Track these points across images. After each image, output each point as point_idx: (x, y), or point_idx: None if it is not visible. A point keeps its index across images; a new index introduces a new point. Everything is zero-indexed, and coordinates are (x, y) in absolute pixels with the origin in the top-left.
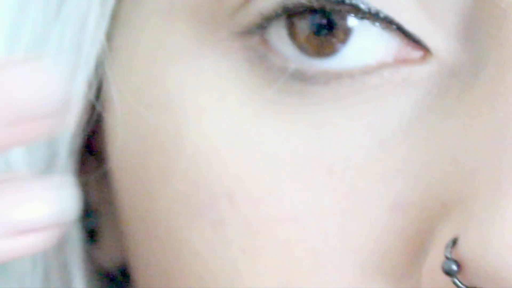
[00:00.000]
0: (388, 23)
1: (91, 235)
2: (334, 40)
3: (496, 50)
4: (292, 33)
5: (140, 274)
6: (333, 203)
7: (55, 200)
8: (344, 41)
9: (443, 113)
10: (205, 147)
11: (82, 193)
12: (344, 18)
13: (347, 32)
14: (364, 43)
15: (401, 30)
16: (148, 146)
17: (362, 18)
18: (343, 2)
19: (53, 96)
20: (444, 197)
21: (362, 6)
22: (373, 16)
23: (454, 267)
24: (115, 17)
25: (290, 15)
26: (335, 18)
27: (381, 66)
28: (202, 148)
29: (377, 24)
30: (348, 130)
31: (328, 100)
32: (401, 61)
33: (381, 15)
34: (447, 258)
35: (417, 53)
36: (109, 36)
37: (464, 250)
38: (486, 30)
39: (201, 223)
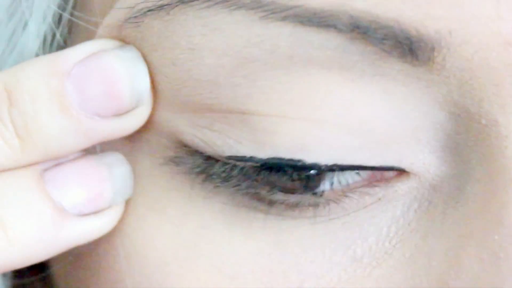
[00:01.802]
0: (345, 169)
1: None
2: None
3: (481, 165)
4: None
5: None
6: None
7: (115, 178)
8: (317, 185)
9: (427, 230)
10: (154, 259)
11: None
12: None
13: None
14: (322, 187)
15: (363, 168)
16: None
17: (316, 173)
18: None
19: (144, 88)
20: None
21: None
22: (328, 170)
23: None
24: None
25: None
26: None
27: (350, 190)
28: (151, 260)
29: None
30: (316, 247)
31: (292, 216)
32: (376, 181)
33: (335, 167)
34: None
35: (390, 173)
36: None
37: None
38: (465, 144)
39: None
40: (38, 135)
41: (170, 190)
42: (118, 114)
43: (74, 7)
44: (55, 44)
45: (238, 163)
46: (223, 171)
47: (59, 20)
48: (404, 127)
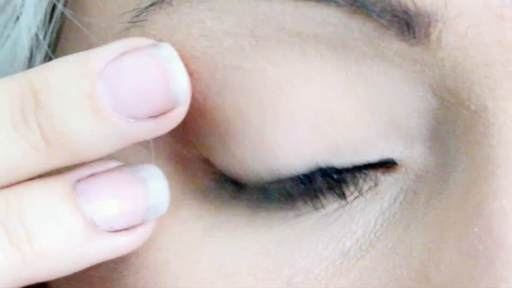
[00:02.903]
0: (359, 169)
1: None
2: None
3: (466, 154)
4: None
5: None
6: None
7: (149, 194)
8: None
9: (409, 221)
10: (154, 259)
11: None
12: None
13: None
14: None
15: (368, 167)
16: None
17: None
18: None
19: (181, 88)
20: None
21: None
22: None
23: None
24: None
25: None
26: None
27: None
28: (151, 260)
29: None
30: (310, 241)
31: (291, 216)
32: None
33: (355, 169)
34: None
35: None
36: None
37: None
38: (453, 132)
39: None
40: (68, 139)
41: (187, 194)
42: (154, 116)
43: (65, 4)
44: (47, 38)
45: (276, 186)
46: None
47: (51, 15)
48: (398, 114)
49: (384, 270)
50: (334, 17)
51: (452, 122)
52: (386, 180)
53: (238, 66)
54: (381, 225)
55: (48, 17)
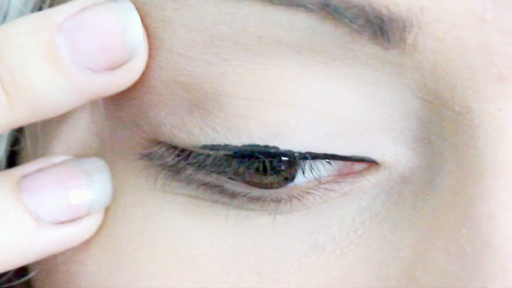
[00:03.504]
0: (318, 158)
1: None
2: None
3: (452, 156)
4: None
5: None
6: None
7: (94, 186)
8: (282, 184)
9: (396, 222)
10: (111, 245)
11: None
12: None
13: (292, 174)
14: (293, 173)
15: (335, 158)
16: None
17: (288, 160)
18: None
19: (138, 40)
20: None
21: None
22: (300, 158)
23: None
24: None
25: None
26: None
27: (313, 186)
28: (108, 247)
29: (306, 161)
30: (276, 234)
31: (253, 209)
32: (342, 176)
33: (308, 155)
34: None
35: (361, 166)
36: None
37: None
38: (438, 133)
39: None
40: (27, 90)
41: (132, 184)
42: (111, 68)
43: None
44: None
45: (211, 152)
46: (196, 162)
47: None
48: (377, 115)
49: (368, 268)
50: (302, 22)
51: (436, 123)
52: (368, 181)
53: (182, 54)
54: (362, 223)
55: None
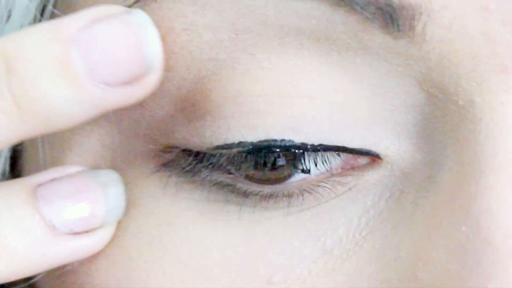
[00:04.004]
0: (329, 150)
1: None
2: (277, 176)
3: (454, 152)
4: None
5: None
6: None
7: (109, 198)
8: (290, 175)
9: (398, 221)
10: (120, 257)
11: None
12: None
13: (289, 172)
14: (308, 165)
15: (344, 150)
16: None
17: (302, 153)
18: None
19: (155, 54)
20: None
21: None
22: (313, 150)
23: None
24: None
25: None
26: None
27: (323, 179)
28: (117, 259)
29: (318, 153)
30: (284, 239)
31: (265, 207)
32: (348, 170)
33: (320, 148)
34: None
35: (364, 160)
36: None
37: None
38: (441, 128)
39: None
40: (40, 105)
41: (144, 194)
42: (128, 82)
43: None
44: None
45: (224, 151)
46: (210, 164)
47: (41, 16)
48: (384, 107)
49: (372, 271)
50: (317, 10)
51: (439, 118)
52: (371, 177)
53: (213, 58)
54: (367, 223)
55: (38, 17)
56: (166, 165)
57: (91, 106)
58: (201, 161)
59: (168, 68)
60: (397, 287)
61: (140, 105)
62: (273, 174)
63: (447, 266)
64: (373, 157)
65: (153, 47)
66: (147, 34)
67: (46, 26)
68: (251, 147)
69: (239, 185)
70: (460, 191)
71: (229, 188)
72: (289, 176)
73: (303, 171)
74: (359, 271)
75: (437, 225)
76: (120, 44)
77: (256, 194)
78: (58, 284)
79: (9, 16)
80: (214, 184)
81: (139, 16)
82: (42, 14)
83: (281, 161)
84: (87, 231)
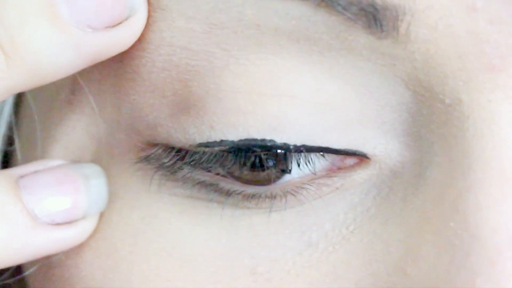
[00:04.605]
0: (312, 151)
1: None
2: (269, 175)
3: (441, 149)
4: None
5: None
6: None
7: (91, 190)
8: (273, 176)
9: (387, 217)
10: (104, 248)
11: None
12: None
13: (274, 170)
14: (290, 166)
15: (329, 151)
16: None
17: (284, 153)
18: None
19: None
20: None
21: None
22: (296, 151)
23: None
24: None
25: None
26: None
27: (307, 181)
28: (102, 250)
29: (301, 154)
30: (268, 232)
31: (248, 207)
32: (335, 171)
33: (303, 148)
34: None
35: (352, 160)
36: None
37: None
38: (428, 127)
39: None
40: (26, 49)
41: (128, 187)
42: (111, 25)
43: None
44: None
45: (206, 149)
46: (192, 161)
47: None
48: (369, 107)
49: (360, 264)
50: (297, 10)
51: (426, 116)
52: (359, 176)
53: (184, 46)
54: (354, 219)
55: None
56: (149, 160)
57: (77, 52)
58: (182, 158)
59: (140, 38)
60: (386, 280)
61: (116, 89)
62: (254, 175)
63: (435, 261)
64: (360, 157)
65: None
66: None
67: None
68: (231, 146)
69: (221, 184)
70: (449, 187)
71: (212, 187)
72: (272, 176)
73: (283, 171)
74: (345, 263)
75: (426, 221)
76: None
77: (239, 194)
78: (47, 278)
79: None
80: (197, 183)
81: None
82: None
83: (263, 162)
84: (69, 222)
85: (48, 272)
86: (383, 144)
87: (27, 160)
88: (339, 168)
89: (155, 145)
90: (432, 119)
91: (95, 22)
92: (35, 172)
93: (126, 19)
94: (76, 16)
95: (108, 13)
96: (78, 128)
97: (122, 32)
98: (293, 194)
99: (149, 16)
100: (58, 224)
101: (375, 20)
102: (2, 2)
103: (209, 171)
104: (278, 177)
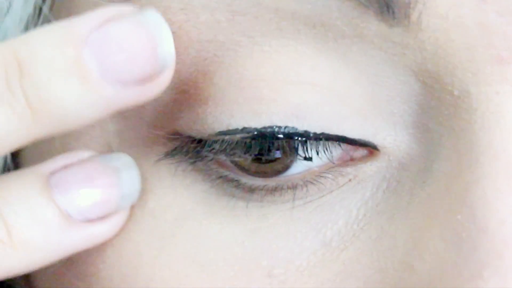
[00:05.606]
0: (330, 139)
1: None
2: (278, 167)
3: (449, 141)
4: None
5: None
6: None
7: (122, 183)
8: (288, 166)
9: (394, 211)
10: (128, 251)
11: None
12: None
13: (291, 160)
14: (310, 154)
15: (344, 140)
16: None
17: (305, 141)
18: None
19: (168, 53)
20: None
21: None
22: (316, 139)
23: None
24: None
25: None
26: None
27: (325, 170)
28: (125, 252)
29: (320, 142)
30: (288, 232)
31: (272, 201)
32: (346, 161)
33: (322, 136)
34: None
35: (362, 151)
36: None
37: None
38: (437, 119)
39: None
40: (53, 106)
41: (153, 183)
42: (142, 81)
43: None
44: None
45: (227, 137)
46: (212, 149)
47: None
48: (380, 97)
49: (368, 261)
50: None
51: (435, 108)
52: (368, 169)
53: (212, 40)
54: (364, 215)
55: (38, 8)
56: (172, 153)
57: (104, 106)
58: (202, 147)
59: None
60: (393, 276)
61: None
62: (273, 164)
63: (442, 255)
64: (371, 148)
65: (167, 47)
66: (161, 33)
67: (58, 27)
68: (255, 133)
69: (243, 180)
70: (456, 180)
71: (234, 184)
72: (291, 163)
73: (305, 158)
74: (355, 261)
75: (433, 215)
76: (133, 44)
77: (262, 189)
78: (61, 275)
79: (9, 8)
80: (220, 177)
81: (152, 15)
82: (42, 5)
83: (278, 154)
84: (102, 217)
85: (60, 269)
86: (392, 135)
87: (49, 154)
88: (351, 159)
89: (177, 139)
90: (441, 111)
91: (125, 79)
92: (65, 167)
93: (157, 75)
94: (105, 74)
95: (139, 71)
96: (98, 125)
97: (151, 88)
98: (313, 183)
99: (172, 24)
100: (91, 220)
101: (387, 7)
102: (29, 54)
103: (231, 161)
104: (298, 165)
